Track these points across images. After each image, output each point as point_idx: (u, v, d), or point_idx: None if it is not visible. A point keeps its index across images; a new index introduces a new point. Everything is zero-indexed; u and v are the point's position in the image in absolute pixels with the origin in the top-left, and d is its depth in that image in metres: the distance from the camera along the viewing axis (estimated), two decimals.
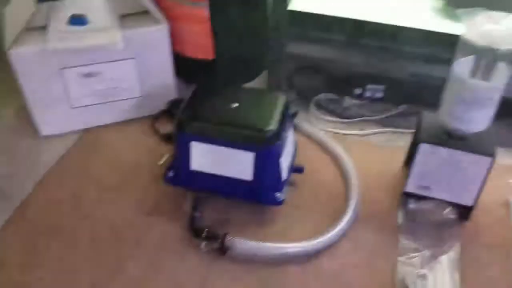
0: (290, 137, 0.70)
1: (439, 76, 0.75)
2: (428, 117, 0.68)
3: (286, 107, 0.67)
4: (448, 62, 0.64)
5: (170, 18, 0.81)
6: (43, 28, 0.75)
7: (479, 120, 0.61)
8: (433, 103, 0.69)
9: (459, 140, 0.63)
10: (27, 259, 0.63)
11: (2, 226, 0.67)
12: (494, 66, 0.58)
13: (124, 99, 0.83)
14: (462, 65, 0.59)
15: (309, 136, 0.82)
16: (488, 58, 0.57)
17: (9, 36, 0.73)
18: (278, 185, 0.67)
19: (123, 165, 0.77)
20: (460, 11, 0.59)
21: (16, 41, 0.72)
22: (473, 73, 0.59)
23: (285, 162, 0.67)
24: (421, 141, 0.64)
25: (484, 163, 0.63)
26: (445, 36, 0.77)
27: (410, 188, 0.69)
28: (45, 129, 0.82)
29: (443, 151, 0.64)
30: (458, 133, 0.63)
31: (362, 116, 0.89)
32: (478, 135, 0.63)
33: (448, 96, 0.62)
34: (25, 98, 0.78)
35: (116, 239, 0.66)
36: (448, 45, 0.73)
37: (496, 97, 0.59)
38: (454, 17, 0.80)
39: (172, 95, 0.87)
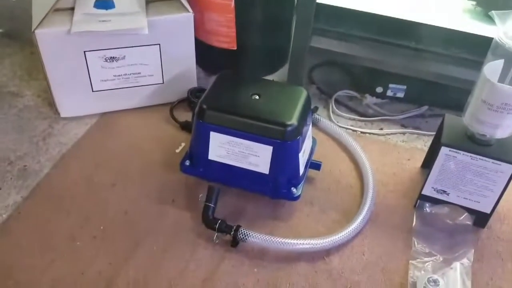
0: (309, 132, 0.70)
1: (464, 79, 0.74)
2: (451, 120, 0.66)
3: (307, 102, 0.67)
4: (475, 65, 0.62)
5: (196, 6, 0.81)
6: (72, 9, 0.75)
7: (505, 126, 0.59)
8: (456, 106, 0.67)
9: (482, 146, 0.62)
10: (40, 240, 0.64)
11: (19, 204, 0.68)
12: None
13: (145, 85, 0.83)
14: (492, 69, 0.57)
15: (328, 133, 0.82)
16: None
17: (36, 17, 0.74)
18: (295, 180, 0.67)
19: (139, 151, 0.77)
20: (492, 13, 0.57)
21: (43, 22, 0.72)
22: (503, 78, 0.57)
23: (302, 157, 0.67)
24: (443, 144, 0.63)
25: (507, 171, 0.61)
26: (473, 37, 0.75)
27: (427, 191, 0.68)
28: (65, 111, 0.83)
29: (465, 156, 0.62)
30: (481, 138, 0.62)
31: (382, 115, 0.88)
32: (502, 141, 0.61)
33: (474, 100, 0.60)
34: (48, 79, 0.78)
35: (128, 225, 0.66)
36: (475, 47, 0.72)
37: None
38: (485, 19, 0.78)
39: (193, 83, 0.86)
